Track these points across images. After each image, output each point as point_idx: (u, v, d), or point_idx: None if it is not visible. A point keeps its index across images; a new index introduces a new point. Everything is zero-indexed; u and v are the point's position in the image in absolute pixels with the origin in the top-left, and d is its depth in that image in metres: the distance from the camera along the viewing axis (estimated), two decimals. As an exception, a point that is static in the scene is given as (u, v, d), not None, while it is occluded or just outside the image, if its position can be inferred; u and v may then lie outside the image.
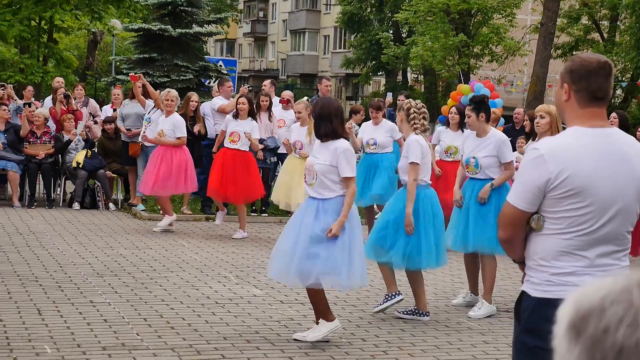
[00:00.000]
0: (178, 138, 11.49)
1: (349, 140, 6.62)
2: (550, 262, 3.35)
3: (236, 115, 11.21)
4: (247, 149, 11.19)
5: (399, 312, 7.51)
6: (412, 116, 7.35)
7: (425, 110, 7.48)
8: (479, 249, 7.85)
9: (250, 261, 9.83)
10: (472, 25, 30.65)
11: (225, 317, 7.27)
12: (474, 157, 7.83)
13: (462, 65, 28.08)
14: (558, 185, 3.29)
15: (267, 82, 13.94)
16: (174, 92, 11.74)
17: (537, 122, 7.23)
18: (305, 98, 10.90)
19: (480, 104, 7.78)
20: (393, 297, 7.48)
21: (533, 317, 3.34)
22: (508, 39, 30.09)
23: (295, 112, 10.75)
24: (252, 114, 11.31)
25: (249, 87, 14.14)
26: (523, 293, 3.44)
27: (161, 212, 12.12)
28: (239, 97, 11.44)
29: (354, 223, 6.42)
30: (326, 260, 6.28)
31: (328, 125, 6.40)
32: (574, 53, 31.06)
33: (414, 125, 7.35)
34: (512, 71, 32.51)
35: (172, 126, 11.44)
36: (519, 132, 13.82)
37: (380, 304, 7.53)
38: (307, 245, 6.30)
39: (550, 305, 3.25)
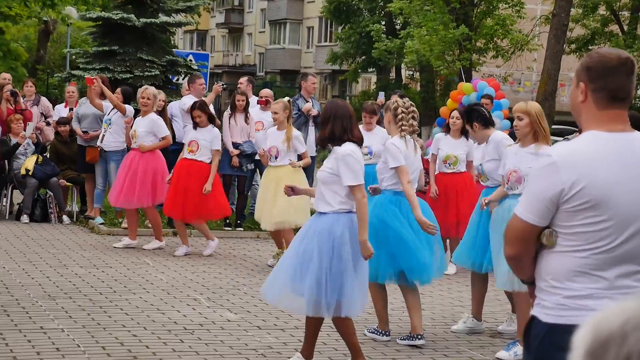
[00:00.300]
0: (162, 138, 11.53)
1: (360, 145, 6.55)
2: (564, 283, 3.34)
3: (195, 125, 11.23)
4: (208, 160, 11.17)
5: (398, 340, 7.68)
6: (400, 116, 7.54)
7: (415, 109, 7.67)
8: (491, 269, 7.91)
9: (223, 281, 9.82)
10: (475, 16, 30.76)
11: (195, 345, 7.26)
12: (481, 165, 8.29)
13: (463, 61, 28.18)
14: (573, 197, 3.29)
15: (243, 80, 13.94)
16: (151, 89, 11.72)
17: (516, 125, 7.26)
18: (286, 98, 10.81)
19: (470, 114, 8.16)
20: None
21: (544, 345, 3.34)
22: (515, 31, 30.21)
23: (272, 113, 10.60)
24: (212, 120, 11.31)
25: (223, 84, 14.14)
26: (533, 318, 3.44)
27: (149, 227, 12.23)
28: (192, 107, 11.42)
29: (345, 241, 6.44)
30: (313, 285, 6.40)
31: (329, 128, 6.50)
32: (590, 48, 31.23)
33: (402, 127, 7.53)
34: (520, 68, 32.66)
35: (149, 127, 11.44)
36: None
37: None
38: (299, 268, 6.46)
39: (564, 332, 3.26)
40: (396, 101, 7.68)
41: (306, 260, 6.41)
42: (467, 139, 10.41)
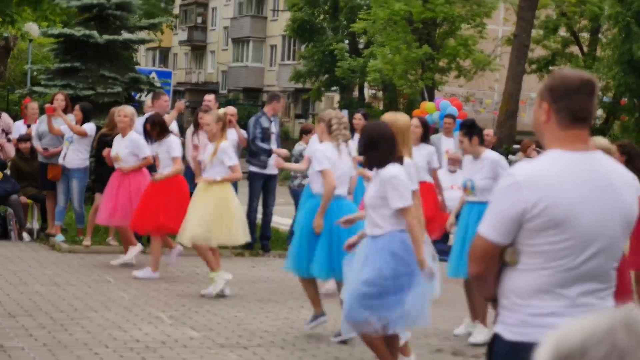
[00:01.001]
0: (144, 158, 11.48)
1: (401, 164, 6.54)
2: (527, 300, 3.38)
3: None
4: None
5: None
6: (334, 127, 8.13)
7: (347, 120, 8.42)
8: None
9: (185, 299, 9.79)
10: (438, 36, 31.04)
11: (157, 363, 7.23)
12: (470, 180, 8.62)
13: (426, 80, 28.41)
14: (535, 216, 3.33)
15: (210, 97, 13.89)
16: (128, 108, 11.69)
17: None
18: (222, 110, 10.58)
19: (471, 129, 8.60)
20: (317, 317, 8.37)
21: None
22: (477, 51, 30.52)
23: (204, 125, 10.20)
24: (165, 131, 11.18)
25: (186, 102, 14.12)
26: (496, 336, 3.47)
27: (120, 244, 12.12)
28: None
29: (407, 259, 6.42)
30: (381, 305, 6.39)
31: (375, 154, 6.43)
32: (550, 68, 31.62)
33: (337, 137, 8.13)
34: (482, 88, 32.97)
35: (131, 147, 11.41)
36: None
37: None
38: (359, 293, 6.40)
39: (526, 350, 3.28)
40: (329, 112, 8.36)
41: (373, 282, 6.35)
42: (428, 144, 10.96)
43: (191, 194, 10.66)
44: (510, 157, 17.52)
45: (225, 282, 9.92)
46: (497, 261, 3.45)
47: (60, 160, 12.85)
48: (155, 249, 11.02)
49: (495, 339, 3.47)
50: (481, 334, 8.42)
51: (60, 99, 13.38)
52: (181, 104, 13.77)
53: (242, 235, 10.06)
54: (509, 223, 3.37)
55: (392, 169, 6.37)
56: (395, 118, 7.34)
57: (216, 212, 9.79)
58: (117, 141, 11.57)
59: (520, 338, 3.36)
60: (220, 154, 9.82)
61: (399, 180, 6.32)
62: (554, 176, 3.36)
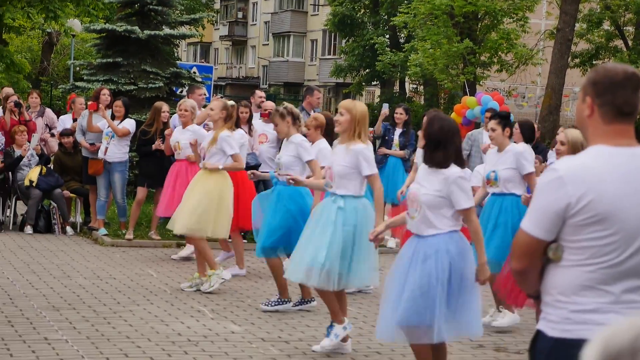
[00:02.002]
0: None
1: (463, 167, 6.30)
2: (570, 297, 3.35)
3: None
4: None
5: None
6: (300, 118, 8.80)
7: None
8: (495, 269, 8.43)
9: (227, 293, 9.84)
10: (479, 30, 30.85)
11: (199, 356, 7.28)
12: (493, 171, 8.59)
13: (467, 75, 28.25)
14: (579, 211, 3.31)
15: (261, 93, 13.95)
16: (189, 102, 11.69)
17: (336, 119, 7.45)
18: (219, 95, 10.52)
19: (506, 120, 8.65)
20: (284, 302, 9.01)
21: (550, 359, 3.36)
22: (519, 45, 30.30)
23: (209, 109, 10.06)
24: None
25: (220, 96, 14.15)
26: (538, 332, 3.45)
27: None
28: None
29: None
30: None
31: (447, 151, 6.11)
32: (594, 63, 31.31)
33: (300, 127, 8.81)
34: (524, 82, 32.72)
35: (191, 139, 11.45)
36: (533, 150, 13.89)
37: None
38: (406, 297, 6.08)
39: (569, 347, 3.28)
40: (285, 107, 8.94)
41: (429, 285, 6.03)
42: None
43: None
44: (551, 152, 17.36)
45: (221, 282, 9.82)
46: (540, 257, 3.43)
47: (101, 155, 12.97)
48: (237, 245, 11.06)
49: (538, 336, 3.45)
50: (506, 319, 8.73)
51: (106, 94, 13.53)
52: (217, 98, 13.81)
53: (224, 230, 9.87)
54: (553, 219, 3.35)
55: (456, 169, 6.09)
56: (353, 105, 7.40)
57: (209, 201, 9.74)
58: (178, 132, 11.63)
59: (563, 335, 3.34)
60: (220, 142, 9.70)
61: (465, 180, 6.12)
62: (598, 171, 3.33)
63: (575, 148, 7.33)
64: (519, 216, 8.39)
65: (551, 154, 10.31)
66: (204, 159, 9.91)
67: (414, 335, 6.13)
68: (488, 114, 13.92)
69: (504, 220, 8.47)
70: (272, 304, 9.07)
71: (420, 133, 6.40)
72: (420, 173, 6.32)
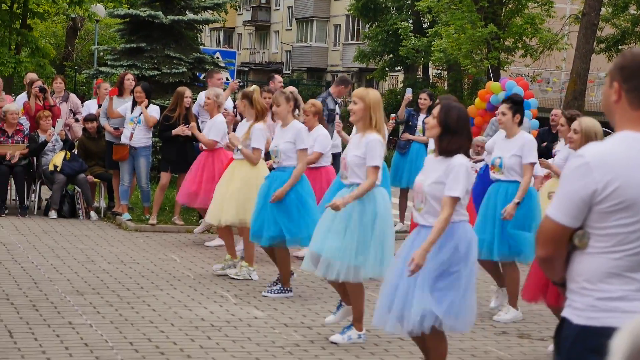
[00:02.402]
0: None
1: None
2: (596, 284, 3.33)
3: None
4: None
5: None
6: (300, 104, 8.97)
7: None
8: (502, 258, 8.50)
9: (250, 279, 9.84)
10: (504, 15, 30.61)
11: (222, 341, 7.30)
12: (499, 157, 8.45)
13: (491, 60, 28.08)
14: (606, 198, 3.28)
15: (280, 78, 13.83)
16: (210, 91, 11.56)
17: (350, 109, 7.32)
18: (253, 87, 10.13)
19: (518, 105, 8.41)
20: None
21: (576, 347, 3.32)
22: (544, 30, 30.06)
23: (237, 103, 9.96)
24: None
25: (239, 82, 14.10)
26: (564, 320, 3.42)
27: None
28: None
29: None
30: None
31: (461, 140, 6.00)
32: (620, 47, 31.04)
33: (299, 114, 8.97)
34: (549, 67, 32.52)
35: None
36: (555, 137, 13.83)
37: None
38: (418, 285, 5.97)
39: (595, 335, 3.25)
40: (291, 91, 8.88)
41: (425, 276, 5.96)
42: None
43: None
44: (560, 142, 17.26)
45: (248, 278, 9.82)
46: (566, 244, 3.40)
47: (126, 140, 12.99)
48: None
49: (564, 323, 3.42)
50: (509, 314, 8.56)
51: (130, 79, 13.57)
52: (234, 83, 13.79)
53: (232, 215, 9.70)
54: (579, 205, 3.32)
55: (463, 159, 5.98)
56: (366, 92, 7.25)
57: (249, 191, 9.64)
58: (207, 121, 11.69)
59: (589, 322, 3.31)
60: (254, 131, 9.55)
61: (464, 169, 5.94)
62: (625, 157, 3.29)
63: (588, 137, 7.19)
64: (523, 202, 8.32)
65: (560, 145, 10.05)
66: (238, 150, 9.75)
67: (429, 325, 5.99)
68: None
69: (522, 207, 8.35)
70: (275, 291, 9.08)
71: (431, 121, 6.07)
72: (427, 163, 6.21)
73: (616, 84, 3.39)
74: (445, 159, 5.99)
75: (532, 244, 8.22)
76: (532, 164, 8.31)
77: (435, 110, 6.10)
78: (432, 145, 7.25)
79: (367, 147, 7.12)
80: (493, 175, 8.60)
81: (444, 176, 5.93)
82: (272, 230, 8.76)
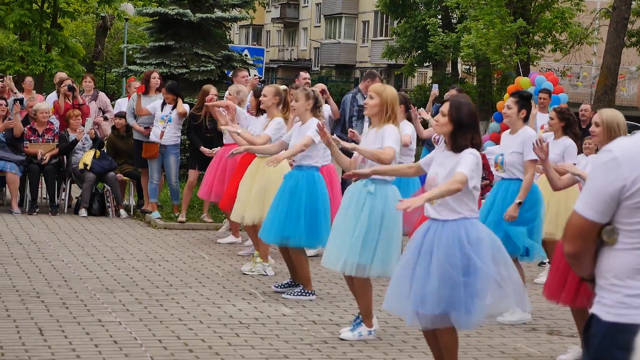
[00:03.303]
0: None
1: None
2: (625, 281, 3.28)
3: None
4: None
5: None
6: (319, 104, 8.66)
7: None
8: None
9: (278, 276, 9.85)
10: (533, 10, 30.42)
11: (250, 339, 7.31)
12: (501, 154, 8.27)
13: (521, 55, 27.91)
14: (635, 193, 3.24)
15: (306, 75, 13.73)
16: (233, 87, 11.62)
17: (366, 103, 7.29)
18: (283, 87, 10.00)
19: (525, 101, 8.21)
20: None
21: (604, 344, 3.28)
22: (574, 25, 29.83)
23: (262, 96, 9.75)
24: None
25: (260, 77, 13.98)
26: (592, 316, 3.38)
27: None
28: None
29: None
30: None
31: (473, 134, 6.00)
32: (650, 41, 30.75)
33: (318, 112, 8.67)
34: (579, 62, 32.25)
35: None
36: (585, 132, 13.70)
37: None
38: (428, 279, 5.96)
39: (624, 331, 3.21)
40: (314, 90, 8.71)
41: (432, 270, 5.94)
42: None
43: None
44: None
45: (263, 274, 9.84)
46: (595, 240, 3.35)
47: (156, 139, 13.01)
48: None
49: (592, 320, 3.38)
50: (515, 315, 8.25)
51: (156, 78, 13.62)
52: (255, 79, 13.77)
53: (254, 214, 9.72)
54: (607, 200, 3.28)
55: (473, 150, 5.98)
56: (383, 88, 7.25)
57: (271, 191, 9.65)
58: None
59: (618, 319, 3.27)
60: (272, 124, 9.53)
61: (474, 158, 5.95)
62: None
63: (610, 129, 7.00)
64: (525, 201, 8.08)
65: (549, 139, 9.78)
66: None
67: (444, 321, 5.98)
68: (542, 95, 13.76)
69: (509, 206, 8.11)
70: (295, 294, 8.84)
71: (441, 119, 6.02)
72: (437, 158, 6.17)
73: None
74: (457, 155, 6.00)
75: (525, 239, 8.18)
76: (533, 161, 7.99)
77: (445, 108, 6.07)
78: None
79: (383, 135, 7.11)
80: (496, 173, 8.46)
81: (455, 166, 5.95)
82: (279, 231, 8.65)
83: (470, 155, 5.94)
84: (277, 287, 9.11)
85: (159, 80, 13.57)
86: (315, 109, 8.66)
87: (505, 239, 7.99)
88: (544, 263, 10.78)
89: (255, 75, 13.29)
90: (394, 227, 7.26)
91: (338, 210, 7.58)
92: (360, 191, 7.28)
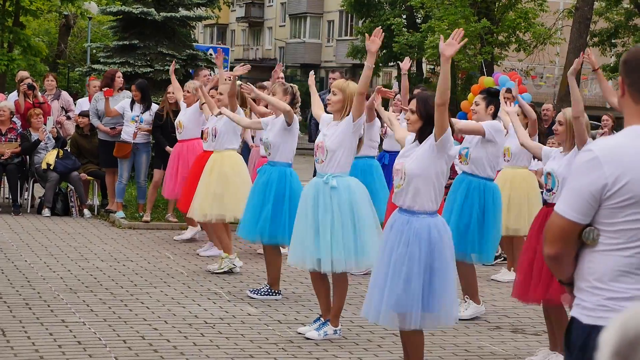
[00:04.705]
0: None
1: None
2: (607, 284, 3.26)
3: None
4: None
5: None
6: (296, 100, 8.80)
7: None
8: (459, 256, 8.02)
9: (244, 275, 9.84)
10: (497, 10, 30.62)
11: (215, 338, 7.29)
12: (466, 148, 8.34)
13: (484, 55, 28.07)
14: (616, 193, 3.22)
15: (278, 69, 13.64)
16: (192, 84, 11.69)
17: (329, 99, 7.40)
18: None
19: (493, 96, 8.35)
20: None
21: (586, 348, 3.25)
22: (538, 25, 30.06)
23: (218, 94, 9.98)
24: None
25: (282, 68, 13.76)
26: (573, 320, 3.36)
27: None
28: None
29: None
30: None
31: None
32: (613, 41, 31.05)
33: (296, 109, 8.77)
34: (542, 62, 32.49)
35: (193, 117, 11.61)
36: (548, 132, 13.81)
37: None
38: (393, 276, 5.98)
39: None
40: (292, 85, 8.91)
41: (399, 270, 5.96)
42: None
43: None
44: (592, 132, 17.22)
45: (231, 267, 9.86)
46: (576, 242, 3.32)
47: (129, 139, 12.95)
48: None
49: (573, 323, 3.36)
50: (469, 310, 8.32)
51: (120, 77, 13.57)
52: (279, 71, 13.58)
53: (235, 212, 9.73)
54: (589, 200, 3.26)
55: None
56: (347, 85, 7.35)
57: (226, 186, 9.78)
58: (182, 111, 11.70)
59: (599, 322, 3.22)
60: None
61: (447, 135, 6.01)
62: (635, 152, 3.25)
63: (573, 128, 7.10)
64: (485, 200, 8.22)
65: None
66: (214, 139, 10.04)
67: (401, 321, 6.02)
68: (506, 95, 13.83)
69: (470, 204, 8.19)
70: (261, 293, 8.80)
71: (411, 116, 6.06)
72: (405, 152, 6.16)
73: (620, 78, 3.38)
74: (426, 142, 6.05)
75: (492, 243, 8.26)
76: (481, 125, 8.11)
77: (413, 105, 6.13)
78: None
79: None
80: (459, 165, 8.53)
81: (430, 148, 5.98)
82: (254, 228, 8.66)
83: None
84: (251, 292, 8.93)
85: (122, 80, 13.53)
86: (292, 104, 8.69)
87: (466, 238, 8.07)
88: (500, 257, 10.87)
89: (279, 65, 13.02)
90: (366, 215, 7.28)
91: (298, 208, 7.58)
92: (323, 187, 7.29)
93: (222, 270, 9.80)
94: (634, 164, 3.23)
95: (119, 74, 13.75)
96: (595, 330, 3.23)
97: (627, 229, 3.24)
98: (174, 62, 12.14)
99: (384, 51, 41.84)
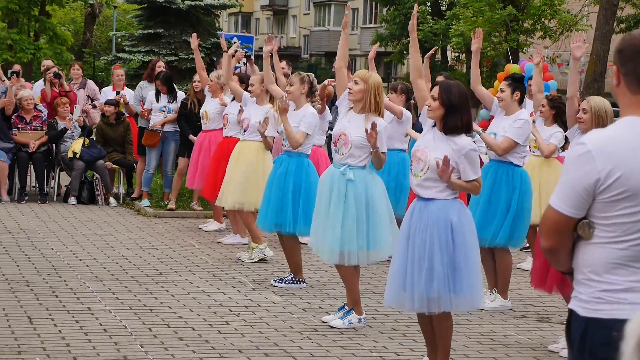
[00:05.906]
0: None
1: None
2: (602, 276, 3.24)
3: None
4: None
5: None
6: (315, 89, 8.72)
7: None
8: (492, 243, 8.16)
9: (268, 264, 9.85)
10: (522, -4, 30.47)
11: (240, 327, 7.30)
12: (494, 134, 8.22)
13: (510, 42, 27.95)
14: (609, 187, 3.20)
15: (283, 65, 13.68)
16: (215, 72, 11.83)
17: (350, 87, 7.25)
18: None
19: (519, 82, 8.24)
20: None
21: (586, 340, 3.25)
22: (563, 11, 29.88)
23: (249, 85, 10.04)
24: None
25: (246, 52, 13.67)
26: (571, 312, 3.35)
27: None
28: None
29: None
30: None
31: (463, 117, 5.98)
32: None
33: (314, 98, 8.72)
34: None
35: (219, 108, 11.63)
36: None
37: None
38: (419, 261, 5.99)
39: (602, 327, 3.19)
40: (309, 75, 8.76)
41: (422, 253, 5.97)
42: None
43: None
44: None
45: (262, 257, 9.87)
46: (571, 235, 3.31)
47: (159, 128, 13.01)
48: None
49: (571, 316, 3.35)
50: (495, 302, 8.28)
51: (162, 67, 13.70)
52: (240, 53, 13.57)
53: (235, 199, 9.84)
54: (582, 194, 3.23)
55: (468, 140, 6.03)
56: (369, 75, 7.23)
57: (254, 175, 9.76)
58: (207, 101, 11.73)
59: (595, 315, 3.23)
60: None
61: (475, 153, 6.03)
62: (628, 144, 3.20)
63: (598, 116, 7.04)
64: (513, 185, 8.15)
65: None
66: (244, 132, 9.98)
67: (431, 305, 6.00)
68: (531, 82, 13.75)
69: (497, 189, 8.13)
70: (286, 282, 8.82)
71: (432, 103, 6.00)
72: (428, 138, 6.13)
73: (615, 67, 3.32)
74: (450, 138, 6.01)
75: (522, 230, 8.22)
76: (512, 141, 8.04)
77: (435, 92, 6.06)
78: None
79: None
80: (488, 152, 8.49)
81: (455, 159, 5.95)
82: (272, 218, 8.65)
83: (471, 155, 5.99)
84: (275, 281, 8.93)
85: (164, 69, 13.63)
86: (311, 94, 8.66)
87: (489, 224, 8.02)
88: (527, 248, 10.81)
89: (235, 42, 12.47)
90: (382, 209, 7.25)
91: (317, 198, 7.55)
92: (340, 179, 7.26)
93: (252, 261, 9.81)
94: (627, 158, 3.19)
95: (160, 63, 13.86)
96: (592, 322, 3.22)
97: (621, 222, 3.22)
98: (194, 35, 11.95)
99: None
